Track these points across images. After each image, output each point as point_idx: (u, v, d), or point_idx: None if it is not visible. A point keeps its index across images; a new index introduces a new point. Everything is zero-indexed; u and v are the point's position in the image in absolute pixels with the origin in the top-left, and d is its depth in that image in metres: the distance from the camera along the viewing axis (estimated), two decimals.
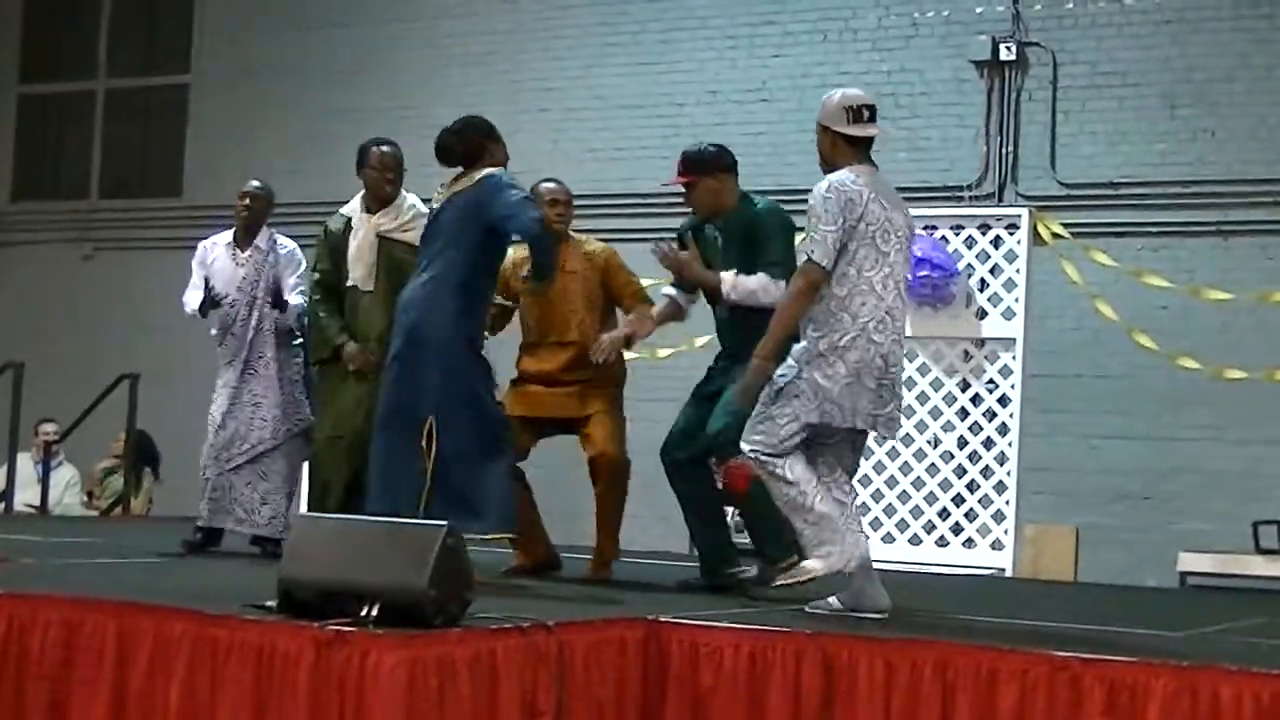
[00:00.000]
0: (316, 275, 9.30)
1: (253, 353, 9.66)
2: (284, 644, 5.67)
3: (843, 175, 7.32)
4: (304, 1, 17.30)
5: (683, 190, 8.67)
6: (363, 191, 9.21)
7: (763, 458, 7.23)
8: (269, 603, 6.04)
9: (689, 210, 8.75)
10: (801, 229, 7.93)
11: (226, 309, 9.66)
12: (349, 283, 9.11)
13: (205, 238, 10.03)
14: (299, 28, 17.24)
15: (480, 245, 7.94)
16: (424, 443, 7.73)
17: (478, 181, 7.98)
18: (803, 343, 7.28)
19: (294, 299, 9.66)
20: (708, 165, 8.56)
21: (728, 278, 8.32)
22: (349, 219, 9.19)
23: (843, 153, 7.44)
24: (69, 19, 18.74)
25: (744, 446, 7.31)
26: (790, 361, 7.26)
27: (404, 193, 9.19)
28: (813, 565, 7.22)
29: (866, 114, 7.46)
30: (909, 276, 7.59)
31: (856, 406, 7.20)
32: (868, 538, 7.46)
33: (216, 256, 9.81)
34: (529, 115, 15.68)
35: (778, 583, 7.49)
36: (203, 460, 9.69)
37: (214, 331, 9.79)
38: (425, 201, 8.68)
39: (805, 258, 7.24)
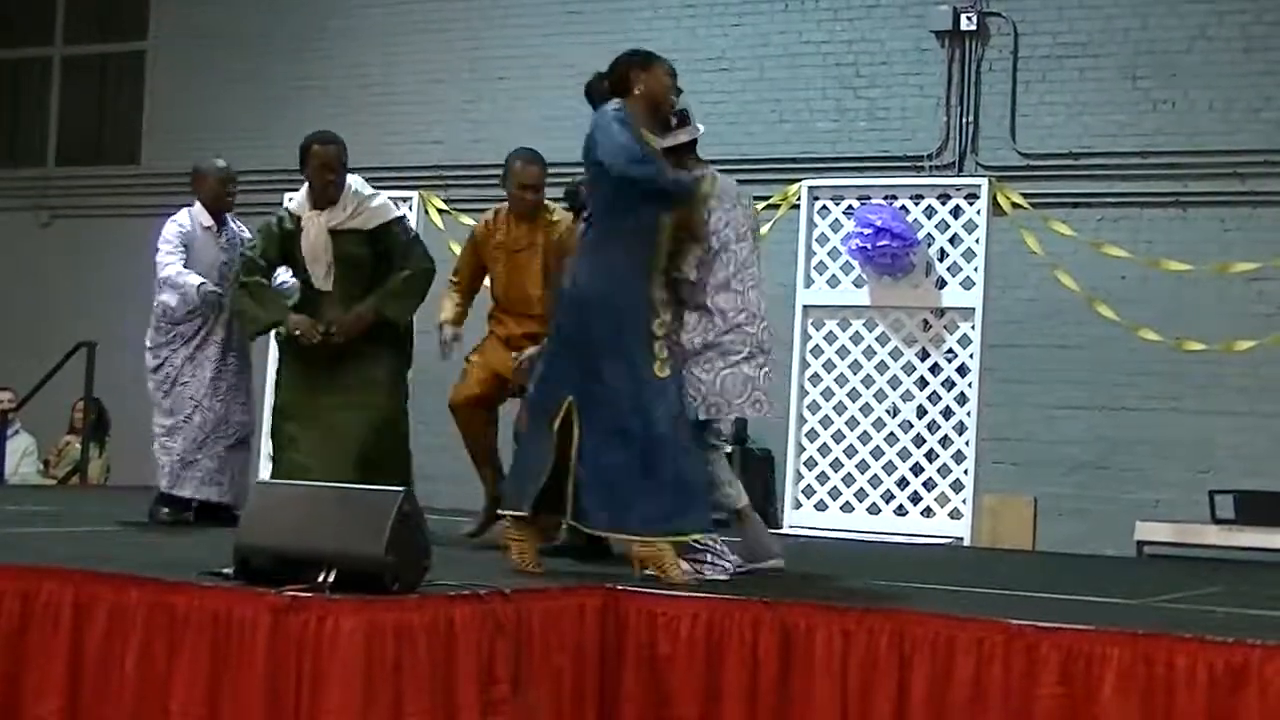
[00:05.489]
0: (259, 259, 8.90)
1: (232, 335, 9.52)
2: (240, 610, 5.66)
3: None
4: None
5: None
6: (306, 186, 8.87)
7: None
8: (225, 570, 6.03)
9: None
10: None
11: (208, 290, 9.49)
12: (312, 283, 8.84)
13: (165, 205, 9.84)
14: None
15: None
16: None
17: None
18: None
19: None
20: None
21: None
22: (299, 218, 8.84)
23: (674, 164, 7.42)
24: None
25: None
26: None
27: (348, 181, 8.83)
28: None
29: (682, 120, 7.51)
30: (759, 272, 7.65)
31: (739, 396, 7.40)
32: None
33: (197, 238, 9.50)
34: (488, 84, 15.63)
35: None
36: (184, 437, 9.48)
37: (173, 306, 9.44)
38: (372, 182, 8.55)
39: None
